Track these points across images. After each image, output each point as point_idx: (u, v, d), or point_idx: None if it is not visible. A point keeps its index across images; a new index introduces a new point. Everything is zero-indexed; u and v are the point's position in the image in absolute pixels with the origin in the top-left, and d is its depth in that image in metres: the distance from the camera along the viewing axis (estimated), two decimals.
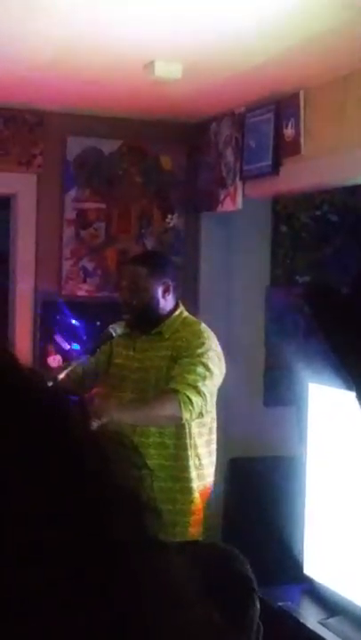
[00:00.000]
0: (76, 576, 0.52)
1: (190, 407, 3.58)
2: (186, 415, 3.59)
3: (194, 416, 3.64)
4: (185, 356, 3.71)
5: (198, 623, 0.59)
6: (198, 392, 3.61)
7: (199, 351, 3.71)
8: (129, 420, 3.61)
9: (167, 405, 3.59)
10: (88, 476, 0.56)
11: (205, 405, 3.67)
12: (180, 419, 3.61)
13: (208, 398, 3.67)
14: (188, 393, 3.58)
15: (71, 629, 0.51)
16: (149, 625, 0.54)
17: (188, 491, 3.77)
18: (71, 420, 0.58)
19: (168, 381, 3.69)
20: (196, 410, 3.62)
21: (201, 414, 3.68)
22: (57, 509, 0.53)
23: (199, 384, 3.62)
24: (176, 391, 3.58)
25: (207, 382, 3.66)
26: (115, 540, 0.55)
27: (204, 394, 3.63)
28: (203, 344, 3.74)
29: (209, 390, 3.67)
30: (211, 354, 3.73)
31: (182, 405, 3.56)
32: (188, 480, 3.77)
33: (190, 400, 3.58)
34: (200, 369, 3.67)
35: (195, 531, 3.74)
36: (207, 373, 3.67)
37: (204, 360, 3.69)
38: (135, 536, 0.56)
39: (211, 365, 3.70)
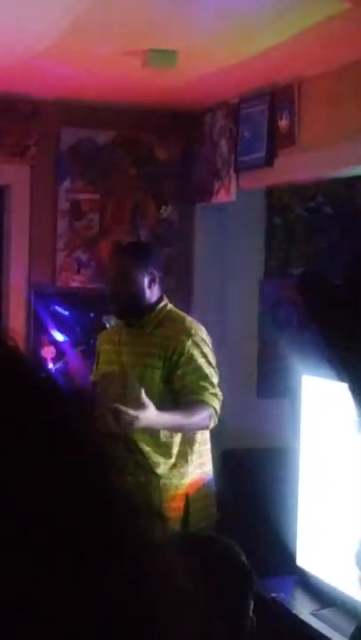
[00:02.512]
0: (72, 578, 0.51)
1: (215, 418, 3.75)
2: (212, 425, 3.77)
3: (216, 423, 3.79)
4: (187, 361, 3.75)
5: (206, 623, 0.59)
6: (218, 398, 3.76)
7: (196, 351, 3.77)
8: (161, 425, 3.65)
9: (203, 417, 3.72)
10: (88, 478, 0.55)
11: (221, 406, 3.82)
12: (208, 428, 3.78)
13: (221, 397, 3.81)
14: (213, 404, 3.73)
15: (64, 629, 0.50)
16: (158, 626, 0.54)
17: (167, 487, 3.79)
18: (74, 420, 0.58)
19: (160, 381, 3.72)
20: (218, 416, 3.78)
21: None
22: (54, 511, 0.52)
23: (216, 389, 3.77)
24: (207, 404, 3.71)
25: (215, 380, 3.80)
26: (114, 544, 0.54)
27: (220, 396, 3.78)
28: (194, 341, 3.78)
29: (219, 387, 3.80)
30: (205, 349, 3.81)
31: (212, 417, 3.73)
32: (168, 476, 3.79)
33: (216, 410, 3.74)
34: (207, 369, 3.77)
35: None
36: (212, 370, 3.81)
37: (204, 358, 3.79)
38: (135, 542, 0.56)
39: (210, 359, 3.81)
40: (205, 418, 3.72)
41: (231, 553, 2.05)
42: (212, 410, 3.72)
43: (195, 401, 3.72)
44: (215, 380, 3.78)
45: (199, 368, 3.75)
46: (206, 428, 3.77)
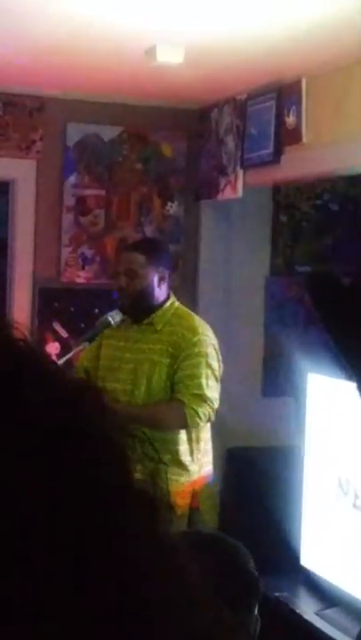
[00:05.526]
0: (74, 577, 0.51)
1: (197, 418, 3.68)
2: (193, 426, 3.70)
3: (202, 424, 3.73)
4: (185, 357, 3.73)
5: (209, 624, 0.59)
6: (204, 400, 3.69)
7: (197, 350, 3.74)
8: (133, 416, 3.60)
9: (174, 415, 3.68)
10: (99, 468, 0.54)
11: (213, 409, 3.75)
12: (185, 427, 3.70)
13: (214, 401, 3.74)
14: (193, 405, 3.66)
15: (76, 627, 0.50)
16: (158, 626, 0.53)
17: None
18: (89, 410, 0.57)
19: (166, 378, 3.71)
20: (204, 418, 3.71)
21: (210, 419, 3.75)
22: (55, 510, 0.51)
23: (204, 390, 3.69)
24: (182, 403, 3.66)
25: (211, 383, 3.73)
26: (124, 539, 0.54)
27: (210, 399, 3.71)
28: (199, 340, 3.76)
29: (213, 392, 3.74)
30: (209, 350, 3.77)
31: (188, 418, 3.66)
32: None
33: (196, 411, 3.66)
34: (202, 369, 3.72)
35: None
36: (209, 372, 3.74)
37: (203, 358, 3.74)
38: (138, 542, 0.55)
39: (210, 361, 3.76)
40: (177, 417, 3.66)
41: (238, 555, 2.03)
42: (190, 410, 3.65)
43: (173, 400, 3.70)
44: (211, 382, 3.72)
45: (193, 366, 3.72)
46: (182, 427, 3.70)
